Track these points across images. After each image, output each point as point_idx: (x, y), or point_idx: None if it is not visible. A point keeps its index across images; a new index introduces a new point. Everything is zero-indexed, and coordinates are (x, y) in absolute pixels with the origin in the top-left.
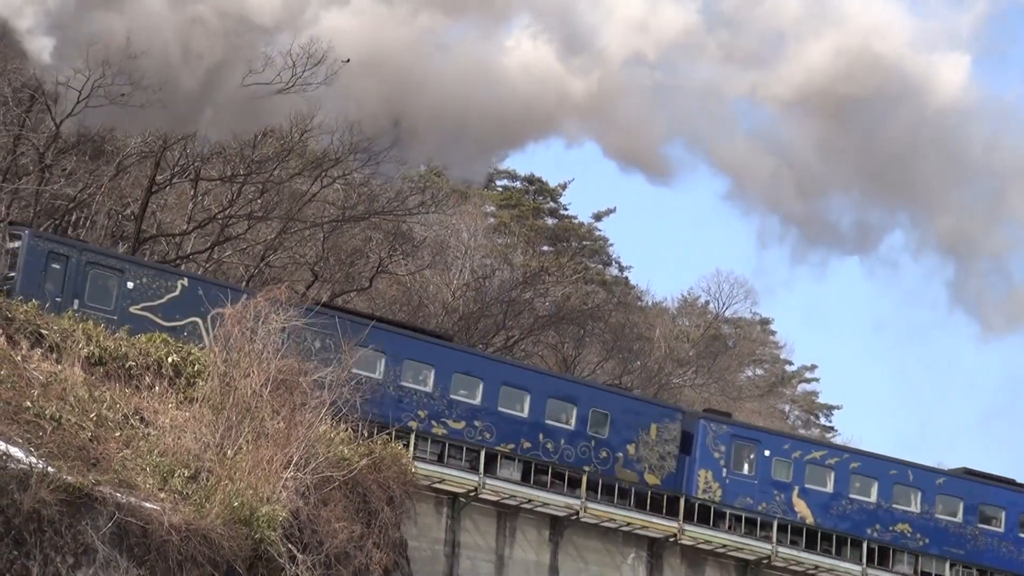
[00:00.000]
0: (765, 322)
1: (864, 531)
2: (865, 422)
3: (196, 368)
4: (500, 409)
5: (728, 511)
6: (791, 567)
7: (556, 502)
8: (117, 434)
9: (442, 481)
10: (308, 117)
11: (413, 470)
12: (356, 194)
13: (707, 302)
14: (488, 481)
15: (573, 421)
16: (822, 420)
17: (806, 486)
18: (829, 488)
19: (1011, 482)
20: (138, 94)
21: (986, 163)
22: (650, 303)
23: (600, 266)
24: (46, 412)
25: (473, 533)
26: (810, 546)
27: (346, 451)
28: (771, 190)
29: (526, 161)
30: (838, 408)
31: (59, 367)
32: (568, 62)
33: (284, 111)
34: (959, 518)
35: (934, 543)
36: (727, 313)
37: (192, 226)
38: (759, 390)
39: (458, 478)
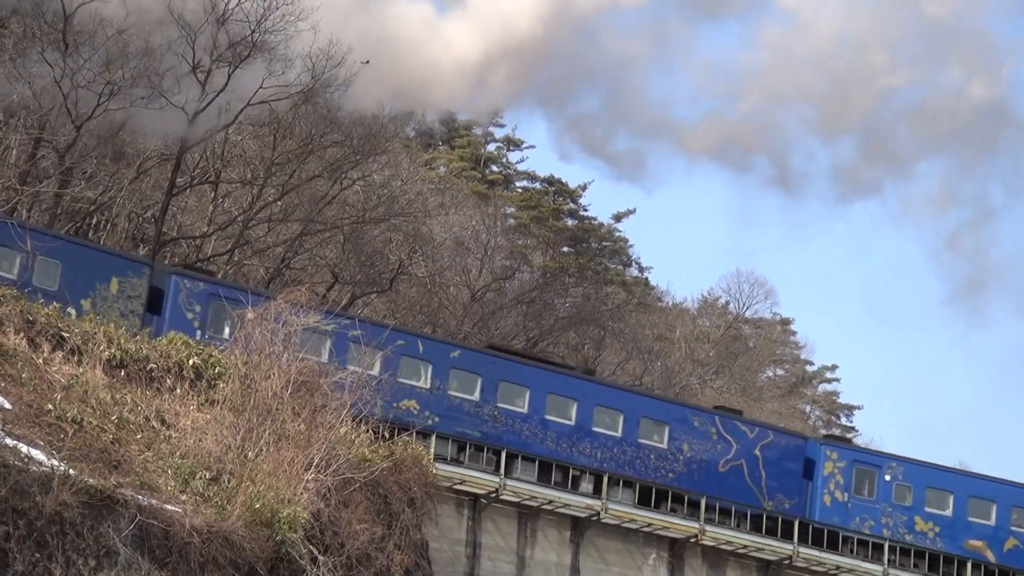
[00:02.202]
0: (785, 322)
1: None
2: (886, 422)
3: (217, 370)
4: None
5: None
6: (812, 567)
7: (577, 503)
8: (138, 436)
9: (463, 482)
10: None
11: (434, 471)
12: (376, 196)
13: (727, 302)
14: (509, 482)
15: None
16: (843, 420)
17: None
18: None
19: None
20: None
21: None
22: (670, 304)
23: (620, 267)
24: (68, 415)
25: (494, 534)
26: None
27: (367, 452)
28: None
29: (547, 163)
30: (859, 408)
31: (80, 369)
32: None
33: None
34: None
35: None
36: (747, 313)
37: (212, 229)
38: (780, 390)
39: (479, 479)
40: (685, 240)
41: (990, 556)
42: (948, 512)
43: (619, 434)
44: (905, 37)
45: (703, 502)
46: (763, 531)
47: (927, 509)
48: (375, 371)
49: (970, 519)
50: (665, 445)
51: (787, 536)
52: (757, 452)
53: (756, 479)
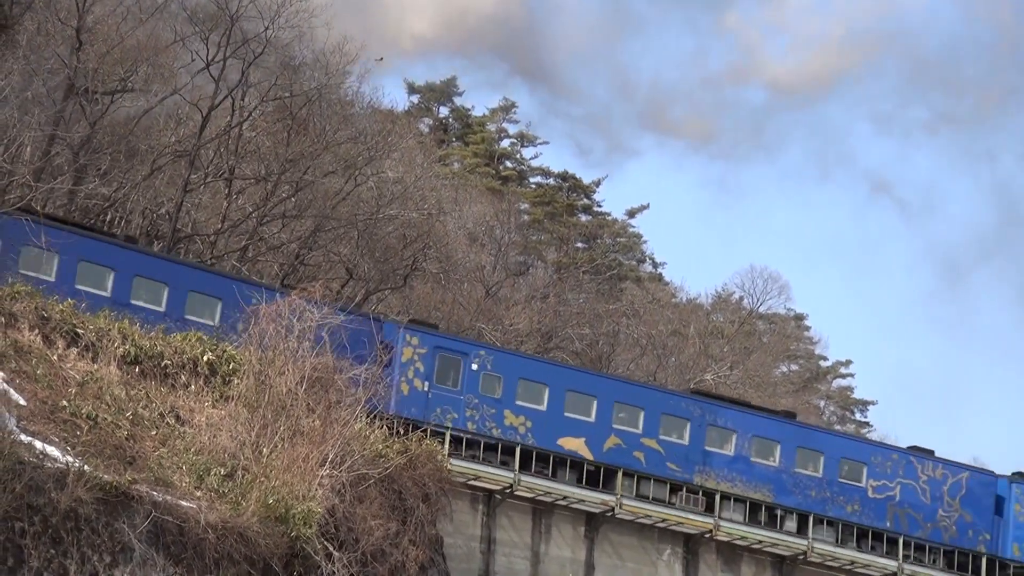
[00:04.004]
0: (799, 317)
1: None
2: (900, 417)
3: (231, 366)
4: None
5: None
6: (827, 563)
7: (591, 499)
8: (153, 433)
9: (477, 478)
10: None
11: (448, 467)
12: (390, 192)
13: (741, 298)
14: (523, 478)
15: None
16: (857, 415)
17: None
18: None
19: None
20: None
21: None
22: (684, 299)
23: (634, 263)
24: (82, 411)
25: (509, 530)
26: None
27: (382, 448)
28: None
29: (561, 158)
30: (873, 403)
31: (95, 366)
32: None
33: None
34: None
35: None
36: (761, 308)
37: (226, 225)
38: (794, 386)
39: (493, 475)
40: (698, 235)
41: (587, 454)
42: (542, 407)
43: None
44: None
45: (718, 496)
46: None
47: (518, 402)
48: None
49: (567, 415)
50: None
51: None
52: None
53: None
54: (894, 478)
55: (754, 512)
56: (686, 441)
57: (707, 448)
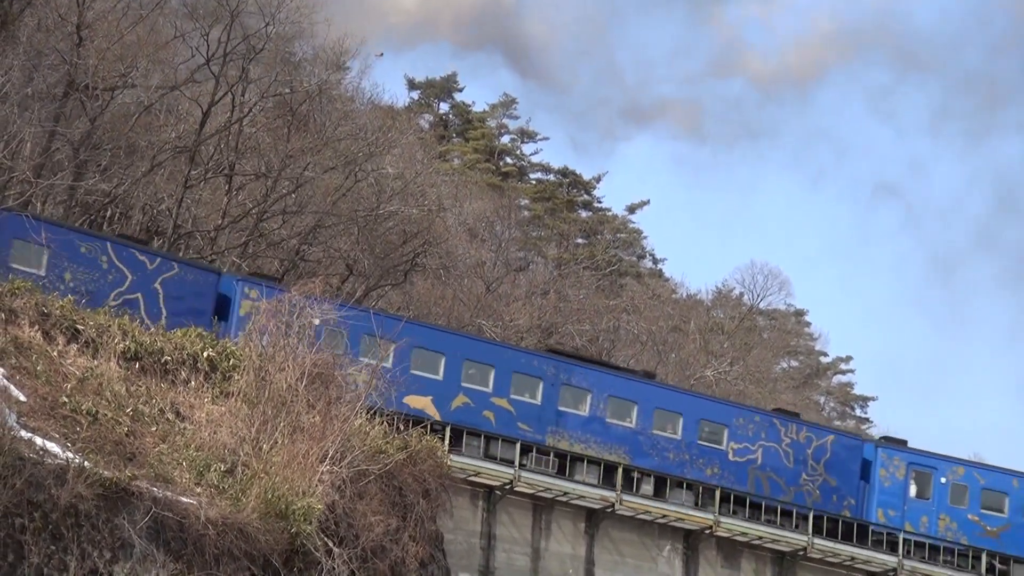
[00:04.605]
0: (800, 313)
1: None
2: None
3: (231, 363)
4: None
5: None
6: (827, 558)
7: (592, 495)
8: (153, 429)
9: (477, 474)
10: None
11: (448, 463)
12: (390, 188)
13: (741, 294)
14: (523, 474)
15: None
16: (857, 411)
17: None
18: None
19: None
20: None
21: None
22: (684, 295)
23: (634, 258)
24: (82, 407)
25: (509, 526)
26: None
27: (382, 444)
28: None
29: (560, 154)
30: (873, 399)
31: (95, 362)
32: None
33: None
34: None
35: None
36: (761, 304)
37: (227, 221)
38: (794, 381)
39: (493, 471)
40: (698, 231)
41: (434, 413)
42: (387, 364)
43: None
44: None
45: (717, 493)
46: None
47: (362, 358)
48: None
49: (413, 372)
50: None
51: None
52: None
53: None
54: (756, 441)
55: (608, 474)
56: (538, 401)
57: (560, 408)
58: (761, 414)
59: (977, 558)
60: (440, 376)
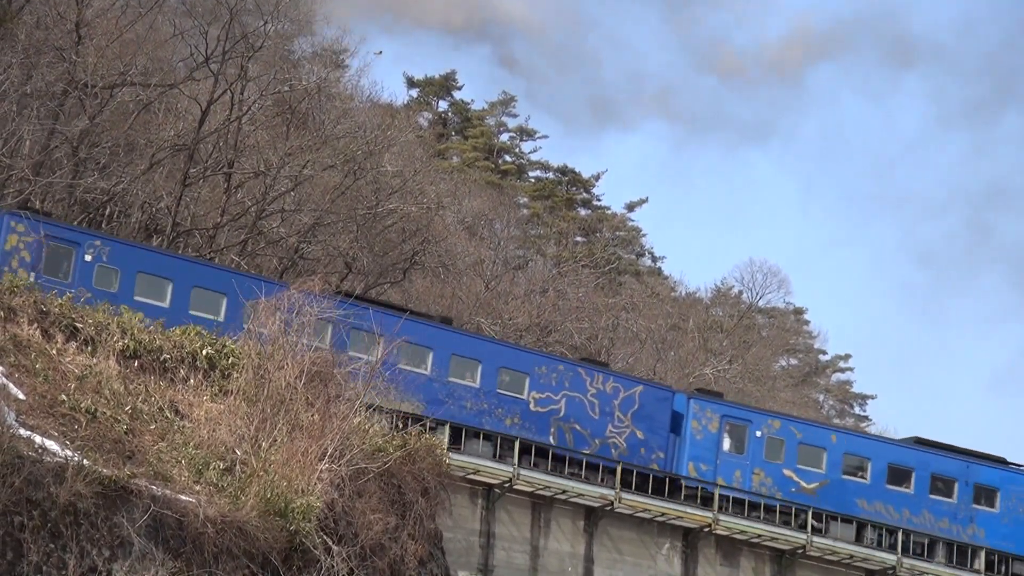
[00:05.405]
0: (799, 311)
1: None
2: (900, 412)
3: (230, 361)
4: None
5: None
6: (826, 556)
7: (591, 493)
8: (152, 427)
9: (477, 472)
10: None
11: (447, 461)
12: (389, 185)
13: (740, 292)
14: (522, 472)
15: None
16: (856, 409)
17: None
18: None
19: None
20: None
21: None
22: (683, 293)
23: (633, 257)
24: (81, 405)
25: (508, 524)
26: None
27: (381, 442)
28: None
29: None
30: (872, 397)
31: (94, 360)
32: None
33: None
34: None
35: None
36: (760, 303)
37: (226, 219)
38: (793, 380)
39: (493, 469)
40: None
41: None
42: (164, 303)
43: None
44: None
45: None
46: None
47: (137, 298)
48: None
49: (192, 312)
50: None
51: None
52: None
53: None
54: (559, 391)
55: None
56: (326, 345)
57: (351, 353)
58: (565, 363)
59: (792, 513)
60: (221, 318)
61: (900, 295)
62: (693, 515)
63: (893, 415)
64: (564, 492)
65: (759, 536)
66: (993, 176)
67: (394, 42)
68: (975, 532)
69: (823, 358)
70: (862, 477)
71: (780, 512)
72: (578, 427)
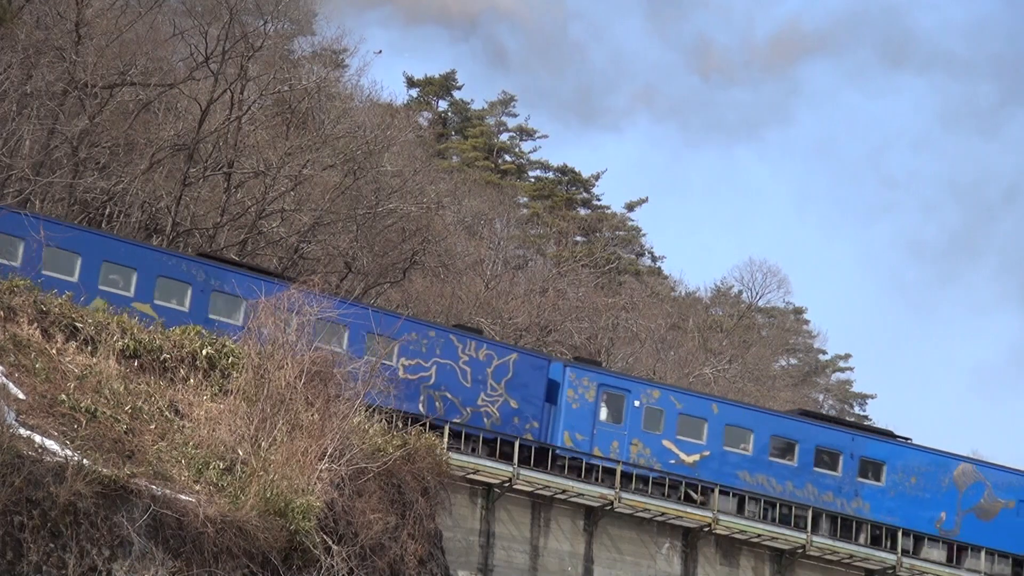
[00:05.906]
0: (799, 311)
1: None
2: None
3: (230, 360)
4: None
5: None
6: (826, 556)
7: (590, 492)
8: (152, 427)
9: (476, 472)
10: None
11: (447, 461)
12: (388, 185)
13: (740, 291)
14: (522, 471)
15: None
16: (856, 409)
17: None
18: None
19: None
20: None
21: None
22: (683, 293)
23: (633, 256)
24: (81, 405)
25: (508, 524)
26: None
27: (380, 442)
28: None
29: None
30: (872, 397)
31: (94, 360)
32: None
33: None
34: None
35: None
36: (760, 302)
37: (226, 219)
38: (793, 379)
39: (492, 469)
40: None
41: None
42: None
43: None
44: None
45: (716, 490)
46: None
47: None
48: None
49: (45, 272)
50: None
51: None
52: None
53: None
54: (430, 358)
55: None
56: (186, 308)
57: (211, 316)
58: (437, 329)
59: (674, 487)
60: (75, 278)
61: (900, 295)
62: (693, 514)
63: (893, 415)
64: (564, 492)
65: (759, 536)
66: (994, 176)
67: (390, 34)
68: (860, 506)
69: (823, 358)
70: (744, 449)
71: (780, 512)
72: (449, 395)
